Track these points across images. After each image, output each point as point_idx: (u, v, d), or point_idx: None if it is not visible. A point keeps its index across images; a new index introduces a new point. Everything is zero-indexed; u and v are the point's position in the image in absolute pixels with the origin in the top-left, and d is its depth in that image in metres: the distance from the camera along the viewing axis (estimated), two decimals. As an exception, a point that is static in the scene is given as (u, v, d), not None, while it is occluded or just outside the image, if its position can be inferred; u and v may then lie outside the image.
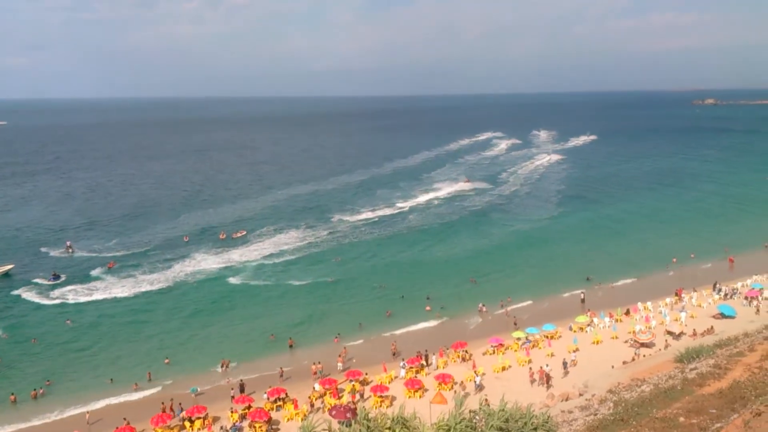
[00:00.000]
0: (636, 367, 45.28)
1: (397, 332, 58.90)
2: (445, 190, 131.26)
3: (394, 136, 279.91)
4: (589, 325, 58.95)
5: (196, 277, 74.65)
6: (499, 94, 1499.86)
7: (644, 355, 50.42)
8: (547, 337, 56.44)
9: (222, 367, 51.69)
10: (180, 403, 44.61)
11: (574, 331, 57.76)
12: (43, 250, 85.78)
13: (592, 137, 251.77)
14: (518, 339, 55.68)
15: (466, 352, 53.08)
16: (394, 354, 53.49)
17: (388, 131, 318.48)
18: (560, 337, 56.92)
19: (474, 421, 11.05)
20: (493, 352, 53.56)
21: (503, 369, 49.98)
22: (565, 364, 48.37)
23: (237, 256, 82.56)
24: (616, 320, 60.23)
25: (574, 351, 52.07)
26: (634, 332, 54.58)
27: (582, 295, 66.82)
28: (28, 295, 68.34)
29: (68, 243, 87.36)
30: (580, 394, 41.82)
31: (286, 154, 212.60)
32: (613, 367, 47.79)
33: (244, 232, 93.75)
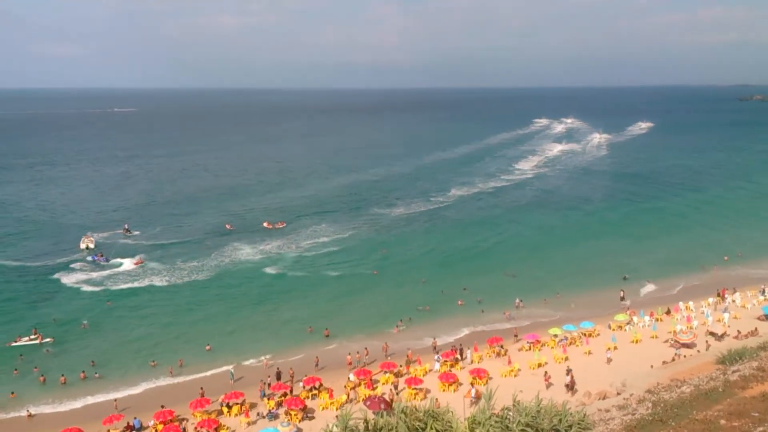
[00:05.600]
0: (676, 368, 44.45)
1: (434, 326, 58.81)
2: (487, 183, 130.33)
3: (437, 128, 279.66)
4: (628, 323, 57.99)
5: (238, 266, 75.79)
6: (540, 87, 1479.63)
7: (684, 356, 49.45)
8: (585, 334, 55.74)
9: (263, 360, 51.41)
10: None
11: (613, 330, 56.92)
12: (91, 234, 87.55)
13: (642, 131, 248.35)
14: (555, 336, 55.13)
15: (501, 347, 52.88)
16: (434, 348, 53.48)
17: (429, 123, 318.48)
18: (598, 335, 56.16)
19: (506, 416, 11.11)
20: (529, 348, 53.22)
21: (539, 365, 49.59)
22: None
23: (279, 246, 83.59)
24: (657, 319, 59.08)
25: (612, 349, 51.39)
26: (674, 332, 53.55)
27: (622, 293, 65.83)
28: (69, 279, 70.32)
29: (126, 226, 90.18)
30: (618, 393, 41.30)
31: (335, 144, 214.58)
32: (652, 366, 47.02)
33: (284, 224, 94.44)
